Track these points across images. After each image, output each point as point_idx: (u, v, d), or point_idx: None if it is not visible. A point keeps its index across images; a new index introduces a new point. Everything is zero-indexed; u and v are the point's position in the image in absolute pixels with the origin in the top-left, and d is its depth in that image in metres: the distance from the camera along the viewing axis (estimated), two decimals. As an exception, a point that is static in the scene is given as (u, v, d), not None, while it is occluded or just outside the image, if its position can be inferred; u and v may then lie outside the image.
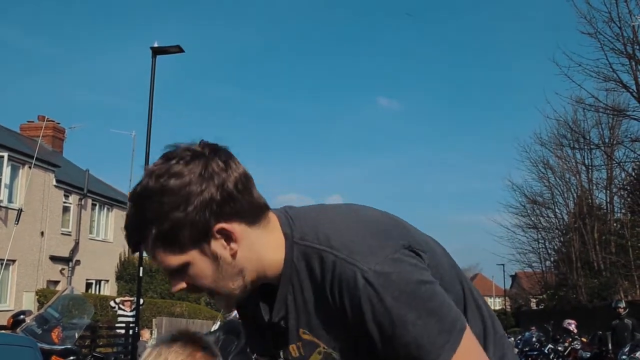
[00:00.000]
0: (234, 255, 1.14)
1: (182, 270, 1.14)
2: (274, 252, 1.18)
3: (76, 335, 5.71)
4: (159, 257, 1.13)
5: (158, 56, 12.98)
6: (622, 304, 12.41)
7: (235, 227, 1.12)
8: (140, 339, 12.69)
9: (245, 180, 1.15)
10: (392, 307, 1.07)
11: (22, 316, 5.57)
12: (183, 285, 1.16)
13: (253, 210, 1.15)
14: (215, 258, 1.12)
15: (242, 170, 1.16)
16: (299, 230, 1.18)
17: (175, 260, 1.12)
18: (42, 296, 17.57)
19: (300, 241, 1.17)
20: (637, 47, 18.39)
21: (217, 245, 1.12)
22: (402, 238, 1.16)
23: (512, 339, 21.06)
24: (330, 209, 1.26)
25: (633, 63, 18.56)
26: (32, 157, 16.94)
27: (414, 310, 1.07)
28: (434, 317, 1.08)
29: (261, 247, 1.17)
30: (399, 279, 1.07)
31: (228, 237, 1.12)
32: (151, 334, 15.06)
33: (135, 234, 1.13)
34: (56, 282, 19.91)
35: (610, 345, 12.05)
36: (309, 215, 1.22)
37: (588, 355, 12.60)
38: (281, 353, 1.26)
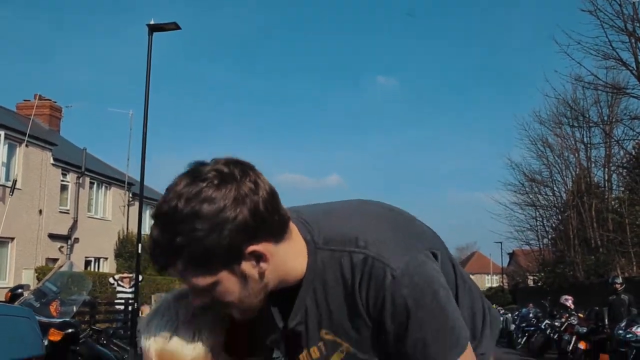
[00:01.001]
0: (262, 275, 1.15)
1: (209, 289, 1.14)
2: (297, 259, 1.20)
3: (74, 309, 5.72)
4: (187, 278, 1.13)
5: (155, 34, 12.88)
6: (619, 280, 12.49)
7: (266, 247, 1.13)
8: (141, 314, 12.76)
9: (273, 199, 1.15)
10: (412, 307, 1.12)
11: (19, 290, 5.58)
12: (206, 300, 1.16)
13: (280, 228, 1.16)
14: (244, 277, 1.13)
15: (269, 188, 1.15)
16: (320, 235, 1.21)
17: (204, 281, 1.12)
18: (42, 273, 17.61)
19: (325, 246, 1.20)
20: (637, 25, 18.23)
21: (247, 266, 1.13)
22: (425, 239, 1.25)
23: (510, 315, 21.21)
24: (343, 209, 1.30)
25: (633, 41, 18.41)
26: (29, 135, 16.90)
27: (430, 312, 1.13)
28: (448, 322, 1.14)
29: (287, 259, 1.18)
30: (422, 282, 1.13)
31: (258, 257, 1.13)
32: (150, 309, 15.15)
33: (163, 258, 1.12)
34: (55, 260, 19.96)
35: (606, 320, 12.15)
36: (324, 218, 1.25)
37: (585, 331, 12.69)
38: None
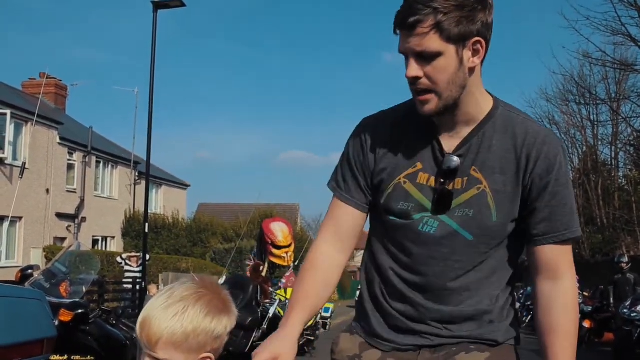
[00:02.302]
0: (471, 70, 1.40)
1: (431, 58, 1.36)
2: (484, 100, 1.49)
3: (84, 290, 5.77)
4: (424, 40, 1.34)
5: (160, 11, 12.79)
6: (625, 259, 12.49)
7: (480, 50, 1.40)
8: (148, 293, 12.88)
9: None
10: (567, 173, 1.50)
11: (30, 271, 5.62)
12: (420, 73, 1.38)
13: (485, 56, 1.44)
14: (460, 62, 1.38)
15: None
16: (504, 105, 1.53)
17: (435, 45, 1.35)
18: (50, 252, 17.77)
19: (507, 110, 1.51)
20: (648, 0, 17.96)
21: (467, 54, 1.38)
22: None
23: (515, 293, 21.24)
24: None
25: (643, 16, 18.15)
26: (34, 114, 16.88)
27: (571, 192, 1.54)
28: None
29: (480, 86, 1.47)
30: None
31: (476, 51, 1.39)
32: (158, 288, 15.27)
33: (422, 13, 1.33)
34: (63, 239, 20.12)
35: (612, 299, 12.18)
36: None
37: (590, 309, 12.73)
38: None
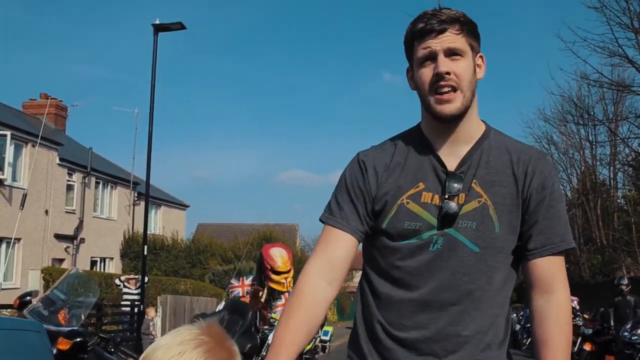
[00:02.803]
0: (478, 78, 1.58)
1: (458, 56, 1.52)
2: (478, 122, 1.62)
3: (82, 317, 5.75)
4: (457, 36, 1.52)
5: (160, 33, 12.88)
6: (625, 281, 12.44)
7: (483, 64, 1.61)
8: (146, 316, 12.81)
9: None
10: (560, 189, 1.64)
11: (28, 297, 5.60)
12: (447, 69, 1.50)
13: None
14: (474, 68, 1.56)
15: None
16: (495, 129, 1.65)
17: (463, 45, 1.53)
18: (48, 274, 17.69)
19: (499, 133, 1.64)
20: (644, 22, 18.13)
21: (479, 60, 1.58)
22: None
23: (515, 315, 21.17)
24: None
25: (639, 37, 18.33)
26: (34, 135, 16.90)
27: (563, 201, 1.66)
28: None
29: (476, 106, 1.60)
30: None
31: (479, 66, 1.59)
32: (156, 311, 15.19)
33: (451, 19, 1.52)
34: (61, 260, 20.04)
35: (612, 321, 12.12)
36: None
37: (590, 332, 12.67)
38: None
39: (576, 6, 47.81)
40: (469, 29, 1.55)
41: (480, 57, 1.58)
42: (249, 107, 78.62)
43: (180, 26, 12.95)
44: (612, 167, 26.74)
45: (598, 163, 27.97)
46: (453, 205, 1.52)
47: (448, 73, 1.50)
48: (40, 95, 24.71)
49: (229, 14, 72.65)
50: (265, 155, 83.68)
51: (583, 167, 28.57)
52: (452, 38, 1.52)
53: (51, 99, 24.39)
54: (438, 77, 1.50)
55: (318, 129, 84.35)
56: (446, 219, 1.52)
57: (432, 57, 1.52)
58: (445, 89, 1.51)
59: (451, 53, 1.51)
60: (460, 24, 1.53)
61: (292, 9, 79.07)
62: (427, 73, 1.53)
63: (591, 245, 26.57)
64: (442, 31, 1.51)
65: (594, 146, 27.29)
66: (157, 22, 12.77)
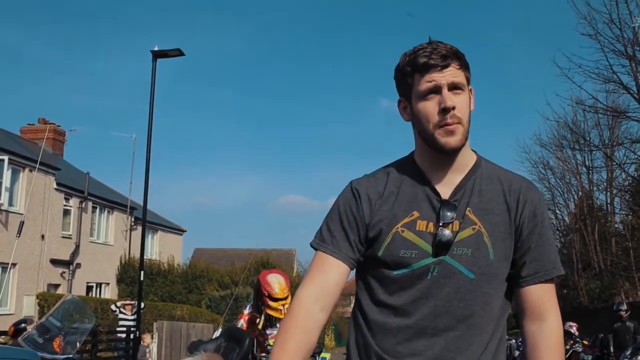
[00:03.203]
0: (471, 110, 1.61)
1: (459, 90, 1.56)
2: (470, 153, 1.65)
3: (78, 345, 5.69)
4: (458, 70, 1.57)
5: (159, 59, 12.99)
6: (624, 307, 12.39)
7: (472, 98, 1.64)
8: (142, 343, 12.68)
9: None
10: (549, 217, 1.69)
11: (23, 324, 5.56)
12: (453, 103, 1.53)
13: None
14: (469, 101, 1.60)
15: None
16: (485, 159, 1.69)
17: (463, 79, 1.57)
18: (43, 300, 17.55)
19: (489, 162, 1.68)
20: (638, 49, 18.40)
21: (470, 94, 1.62)
22: None
23: (514, 340, 20.98)
24: None
25: (633, 64, 18.55)
26: (32, 160, 16.93)
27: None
28: None
29: (466, 144, 1.62)
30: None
31: (470, 98, 1.62)
32: (152, 337, 15.05)
33: (452, 55, 1.56)
34: (57, 286, 19.89)
35: (612, 348, 12.04)
36: None
37: (590, 358, 12.57)
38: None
39: (571, 33, 48.46)
40: (466, 63, 1.60)
41: (470, 89, 1.62)
42: (248, 133, 78.83)
43: (178, 52, 13.07)
44: (609, 192, 26.82)
45: (595, 188, 28.09)
46: (448, 232, 1.53)
47: (454, 107, 1.54)
48: (38, 120, 24.79)
49: (227, 42, 73.26)
50: (263, 180, 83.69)
51: (580, 192, 28.65)
52: (455, 72, 1.56)
53: (49, 124, 24.46)
54: (445, 111, 1.54)
55: (316, 155, 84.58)
56: (441, 246, 1.53)
57: (436, 90, 1.55)
58: (449, 123, 1.55)
59: (454, 87, 1.56)
60: (459, 59, 1.58)
61: (291, 37, 79.78)
62: (431, 106, 1.56)
63: (589, 271, 26.51)
64: (447, 66, 1.55)
65: (590, 171, 27.44)
66: (156, 48, 12.91)
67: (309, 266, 1.67)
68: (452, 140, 1.55)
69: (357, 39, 78.49)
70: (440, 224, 1.54)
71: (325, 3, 75.76)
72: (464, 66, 1.59)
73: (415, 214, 1.57)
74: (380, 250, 1.57)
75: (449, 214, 1.55)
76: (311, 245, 1.66)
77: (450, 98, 1.53)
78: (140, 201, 14.56)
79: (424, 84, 1.55)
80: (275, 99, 77.44)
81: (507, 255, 1.56)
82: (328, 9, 74.63)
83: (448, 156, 1.59)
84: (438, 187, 1.60)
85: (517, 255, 1.58)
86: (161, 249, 27.37)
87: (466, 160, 1.63)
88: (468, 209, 1.57)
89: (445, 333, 1.53)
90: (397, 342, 1.54)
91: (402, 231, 1.56)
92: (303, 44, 79.37)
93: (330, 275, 1.59)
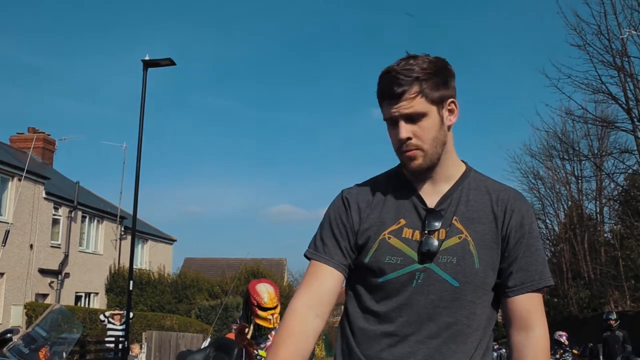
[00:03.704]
0: (449, 127, 1.60)
1: (417, 119, 1.54)
2: (457, 164, 1.66)
3: (64, 355, 5.62)
4: (414, 100, 1.53)
5: (149, 69, 12.97)
6: (614, 316, 12.42)
7: (456, 108, 1.61)
8: (130, 353, 12.58)
9: None
10: (537, 228, 1.66)
11: (9, 335, 5.48)
12: (410, 134, 1.54)
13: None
14: (441, 121, 1.56)
15: None
16: (474, 169, 1.70)
17: (422, 106, 1.53)
18: (31, 310, 17.38)
19: (478, 173, 1.69)
20: (626, 60, 18.54)
21: (445, 113, 1.57)
22: None
23: (504, 350, 21.03)
24: None
25: (622, 75, 18.69)
26: (20, 168, 16.82)
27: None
28: None
29: (453, 148, 1.65)
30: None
31: (451, 111, 1.59)
32: (141, 348, 14.93)
33: (407, 83, 1.52)
34: (45, 296, 19.72)
35: (601, 357, 12.06)
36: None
37: (580, 368, 12.58)
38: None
39: (561, 44, 48.86)
40: (432, 84, 1.54)
41: (452, 102, 1.59)
42: (239, 143, 78.73)
43: (169, 62, 13.05)
44: (598, 202, 26.97)
45: (584, 198, 28.24)
46: (433, 240, 1.55)
47: (409, 138, 1.55)
48: (28, 129, 24.68)
49: (219, 51, 73.31)
50: (254, 190, 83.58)
51: (570, 202, 28.79)
52: (408, 104, 1.53)
53: (39, 132, 24.34)
54: (400, 142, 1.57)
55: (307, 164, 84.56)
56: (426, 254, 1.55)
57: (394, 121, 1.57)
58: (408, 150, 1.57)
59: (408, 118, 1.55)
60: (419, 84, 1.53)
61: (282, 46, 79.99)
62: (393, 134, 1.60)
63: (579, 280, 26.60)
64: (400, 96, 1.53)
65: (579, 181, 27.59)
66: (147, 57, 12.88)
67: (304, 275, 1.68)
68: (413, 164, 1.58)
69: (348, 48, 78.86)
70: (426, 232, 1.56)
71: (316, 13, 76.17)
72: (431, 88, 1.54)
73: (402, 221, 1.59)
74: (367, 256, 1.59)
75: (434, 222, 1.57)
76: (305, 256, 1.68)
77: (405, 130, 1.55)
78: (130, 210, 14.50)
79: (385, 114, 1.59)
80: (267, 108, 77.52)
81: (493, 264, 1.57)
82: (319, 19, 75.00)
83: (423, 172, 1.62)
84: (425, 196, 1.62)
85: (504, 265, 1.58)
86: (151, 258, 27.23)
87: (451, 171, 1.64)
88: (454, 217, 1.58)
89: (429, 340, 1.54)
90: (381, 348, 1.56)
91: (389, 238, 1.58)
92: (294, 53, 79.62)
93: (324, 283, 1.61)
